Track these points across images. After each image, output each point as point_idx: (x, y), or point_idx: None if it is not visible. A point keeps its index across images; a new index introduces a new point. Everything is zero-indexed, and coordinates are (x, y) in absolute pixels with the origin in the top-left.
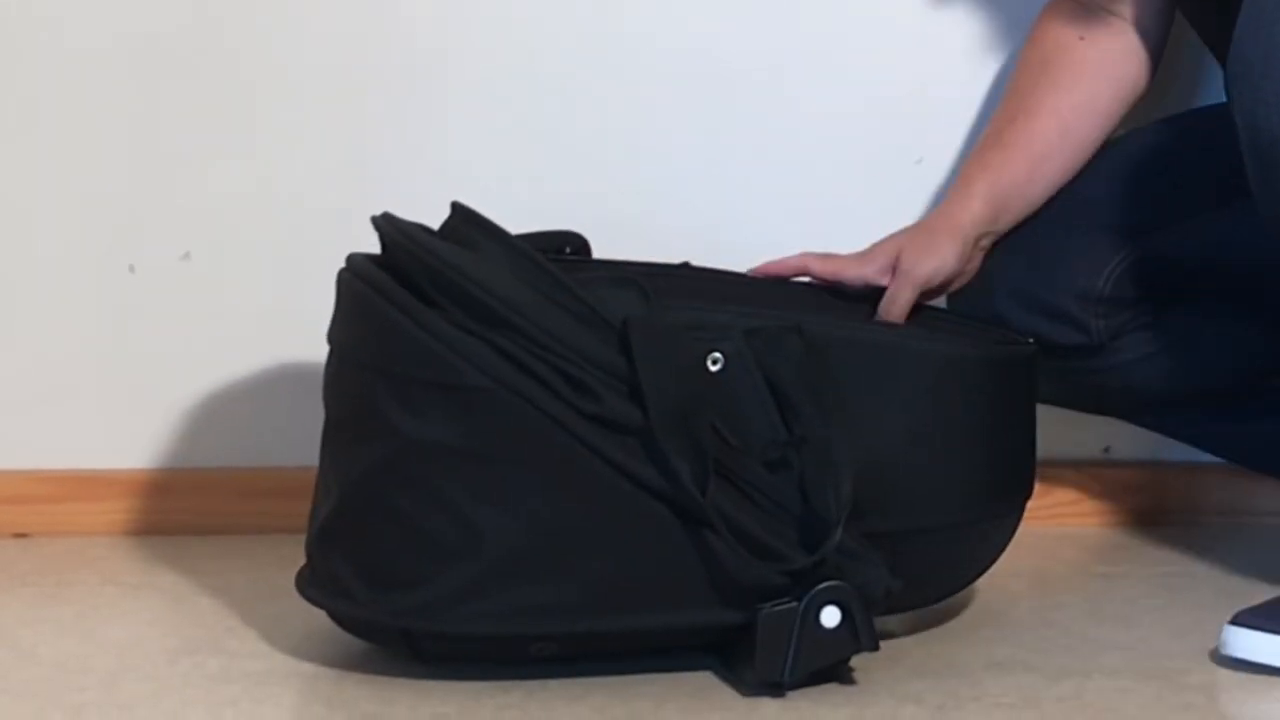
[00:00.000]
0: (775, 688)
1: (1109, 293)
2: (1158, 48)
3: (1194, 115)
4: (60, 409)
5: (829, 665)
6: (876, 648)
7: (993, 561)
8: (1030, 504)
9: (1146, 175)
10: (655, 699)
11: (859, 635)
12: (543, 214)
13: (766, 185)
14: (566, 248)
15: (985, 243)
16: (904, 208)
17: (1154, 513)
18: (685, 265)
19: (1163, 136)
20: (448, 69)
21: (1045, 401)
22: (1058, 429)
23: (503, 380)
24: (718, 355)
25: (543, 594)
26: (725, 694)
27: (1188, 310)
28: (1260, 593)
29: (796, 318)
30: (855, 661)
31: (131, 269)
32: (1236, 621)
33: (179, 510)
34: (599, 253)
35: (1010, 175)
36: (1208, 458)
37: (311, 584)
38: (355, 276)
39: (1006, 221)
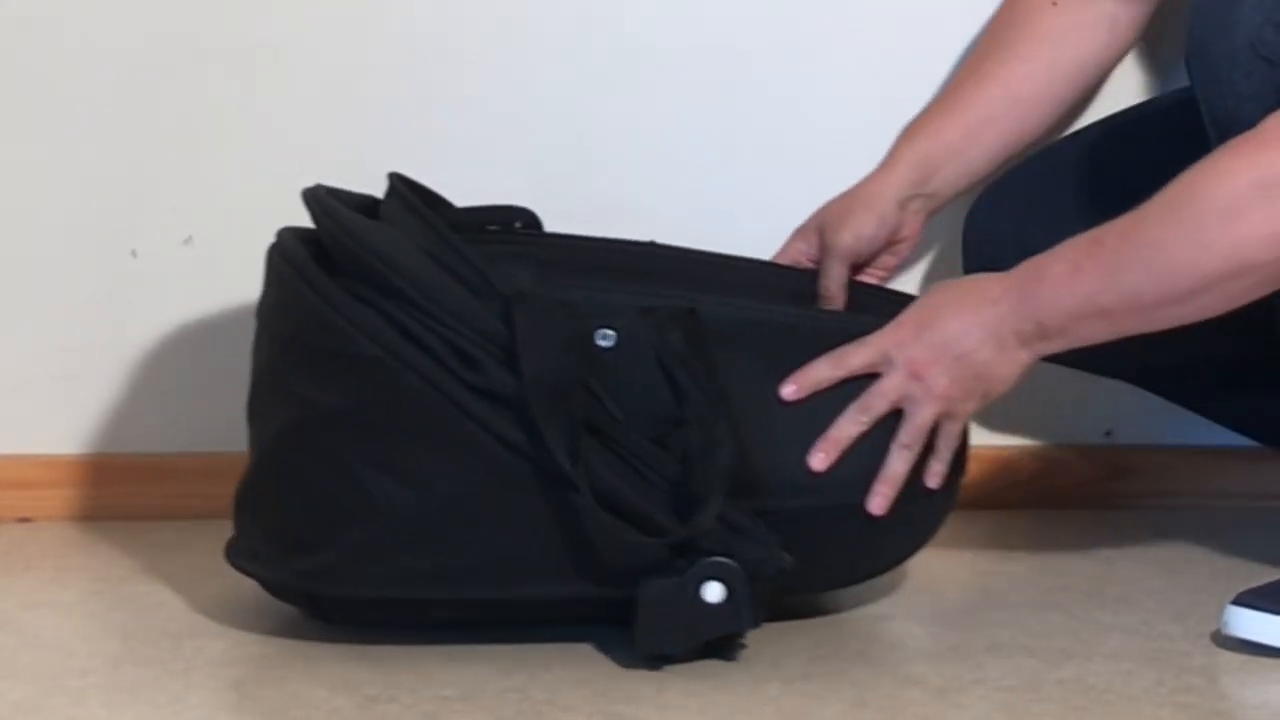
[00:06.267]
0: (657, 661)
1: None
2: (1141, 15)
3: None
4: (63, 394)
5: (714, 640)
6: (757, 625)
7: (926, 539)
8: (1032, 487)
9: (1160, 144)
10: (658, 683)
11: (742, 612)
12: (542, 203)
13: (770, 176)
14: (517, 222)
15: (916, 206)
16: None
17: (1155, 496)
18: (651, 244)
19: (1178, 107)
20: (448, 53)
21: (1061, 363)
22: (1059, 412)
23: (391, 349)
24: (608, 332)
25: (433, 560)
26: (728, 677)
27: None
28: (1261, 575)
29: (695, 299)
30: (861, 644)
31: (134, 254)
32: (1238, 602)
33: (182, 495)
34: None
35: (943, 139)
36: (1209, 441)
37: (234, 550)
38: (276, 250)
39: (940, 184)
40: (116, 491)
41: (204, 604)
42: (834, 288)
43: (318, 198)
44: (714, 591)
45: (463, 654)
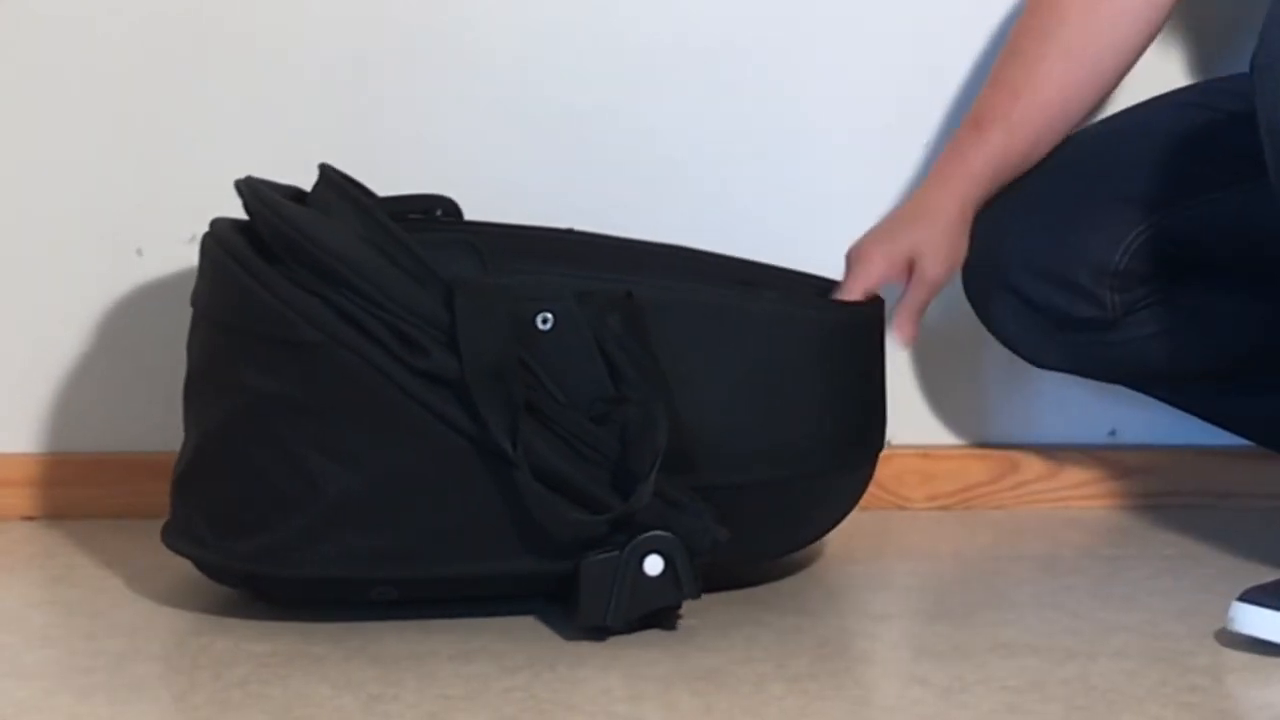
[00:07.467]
0: (599, 633)
1: (1124, 267)
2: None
3: (1214, 87)
4: (68, 392)
5: (653, 612)
6: (698, 595)
7: (846, 512)
8: (1036, 486)
9: (1165, 149)
10: (662, 682)
11: (681, 584)
12: (544, 200)
13: (771, 169)
14: (438, 210)
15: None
16: (911, 188)
17: (1159, 495)
18: (570, 231)
19: (1183, 109)
20: (452, 51)
21: (1060, 370)
22: (1063, 412)
23: (335, 336)
24: (548, 315)
25: (377, 540)
26: (735, 678)
27: (1204, 286)
28: (1266, 575)
29: (631, 282)
30: (865, 644)
31: (139, 252)
32: (1244, 598)
33: None
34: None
35: (1016, 157)
36: (1213, 440)
37: (170, 531)
38: (213, 240)
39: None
40: (121, 490)
41: (208, 602)
42: (917, 317)
43: (253, 188)
44: (654, 564)
45: (466, 653)
